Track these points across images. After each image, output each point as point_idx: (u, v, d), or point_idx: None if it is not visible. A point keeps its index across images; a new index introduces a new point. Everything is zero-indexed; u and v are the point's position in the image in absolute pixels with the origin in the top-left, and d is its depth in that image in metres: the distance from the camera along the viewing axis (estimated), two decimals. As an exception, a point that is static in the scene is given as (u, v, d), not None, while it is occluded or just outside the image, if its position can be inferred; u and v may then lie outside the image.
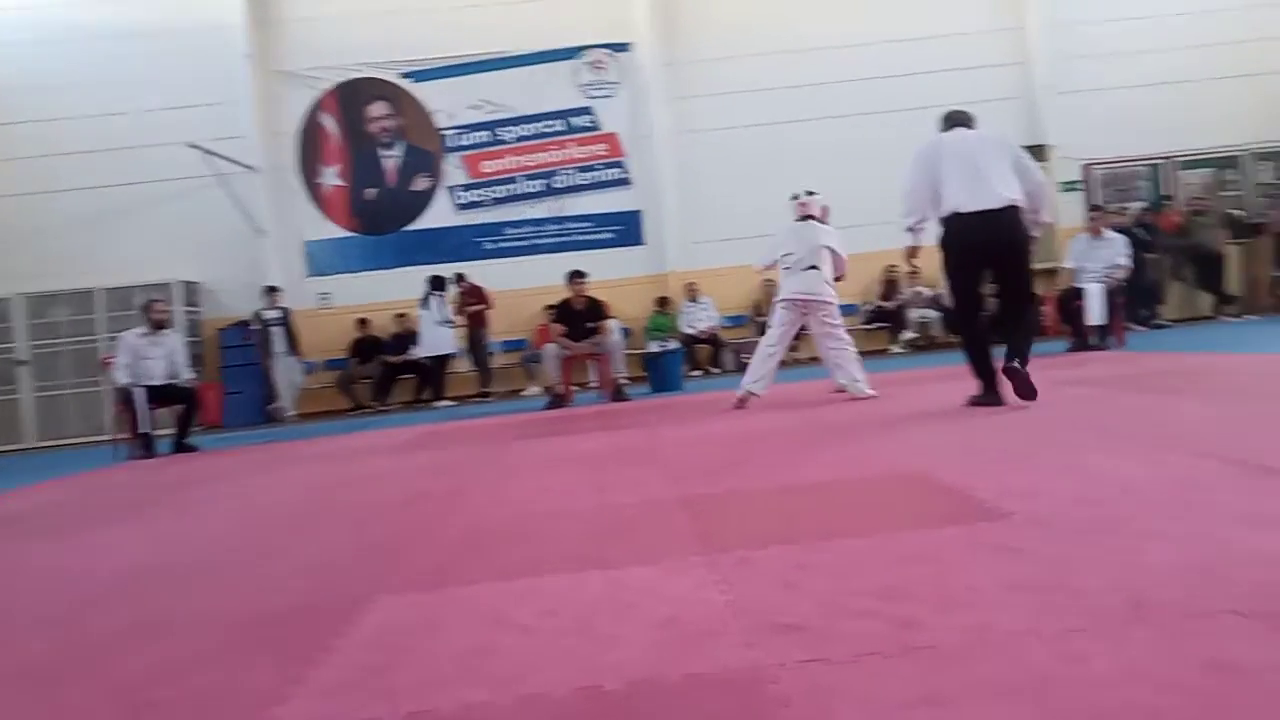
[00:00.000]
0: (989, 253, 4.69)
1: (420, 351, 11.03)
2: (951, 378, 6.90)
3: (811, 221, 6.20)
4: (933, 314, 11.80)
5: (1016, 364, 4.52)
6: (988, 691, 1.34)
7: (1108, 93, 11.93)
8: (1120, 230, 9.39)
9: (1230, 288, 11.69)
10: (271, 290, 11.15)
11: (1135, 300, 10.56)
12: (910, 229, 4.90)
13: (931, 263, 5.34)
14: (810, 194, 6.28)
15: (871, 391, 5.92)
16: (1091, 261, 8.60)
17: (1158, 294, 11.51)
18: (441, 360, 10.90)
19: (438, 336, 10.75)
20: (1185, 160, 12.38)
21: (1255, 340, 7.83)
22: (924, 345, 11.73)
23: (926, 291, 11.89)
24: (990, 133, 5.00)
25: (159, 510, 4.50)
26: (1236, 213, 12.19)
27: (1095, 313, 8.18)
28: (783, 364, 6.48)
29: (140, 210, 11.66)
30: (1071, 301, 8.49)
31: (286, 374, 11.08)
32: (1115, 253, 8.54)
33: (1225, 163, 12.41)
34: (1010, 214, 4.61)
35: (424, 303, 10.80)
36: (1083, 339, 8.44)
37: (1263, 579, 1.67)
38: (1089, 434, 3.69)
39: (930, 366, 8.44)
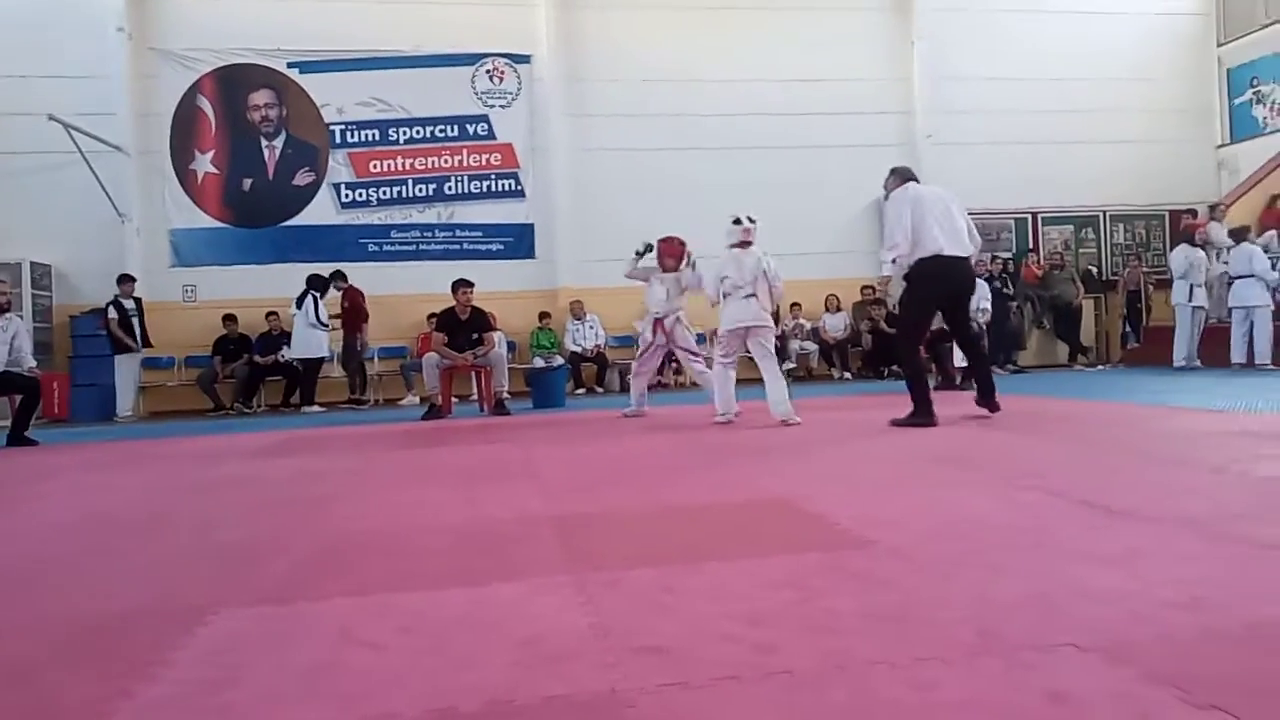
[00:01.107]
0: (956, 291, 5.58)
1: (291, 353, 10.60)
2: (826, 408, 7.11)
3: (752, 248, 6.21)
4: (812, 346, 12.15)
5: (995, 402, 5.59)
6: (838, 718, 1.35)
7: (981, 147, 12.61)
8: (984, 278, 9.93)
9: (1085, 339, 12.52)
10: (125, 279, 10.50)
11: (996, 345, 11.15)
12: (894, 260, 5.45)
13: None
14: (753, 220, 6.23)
15: (797, 418, 5.94)
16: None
17: (1018, 340, 12.20)
18: (313, 364, 10.50)
19: (310, 339, 10.35)
20: (1048, 216, 13.24)
21: (1105, 389, 8.37)
22: (802, 376, 12.04)
23: (806, 324, 12.25)
24: (948, 191, 5.75)
25: (-15, 507, 4.14)
26: (1092, 269, 13.12)
27: (960, 355, 8.57)
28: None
29: (-10, 183, 10.84)
30: (940, 344, 8.89)
31: (130, 370, 10.48)
32: (979, 298, 8.99)
33: (1085, 221, 13.35)
34: (969, 261, 5.57)
35: (299, 302, 10.38)
36: (949, 379, 8.88)
37: (1100, 614, 1.76)
38: (949, 469, 3.85)
39: (808, 397, 8.65)
